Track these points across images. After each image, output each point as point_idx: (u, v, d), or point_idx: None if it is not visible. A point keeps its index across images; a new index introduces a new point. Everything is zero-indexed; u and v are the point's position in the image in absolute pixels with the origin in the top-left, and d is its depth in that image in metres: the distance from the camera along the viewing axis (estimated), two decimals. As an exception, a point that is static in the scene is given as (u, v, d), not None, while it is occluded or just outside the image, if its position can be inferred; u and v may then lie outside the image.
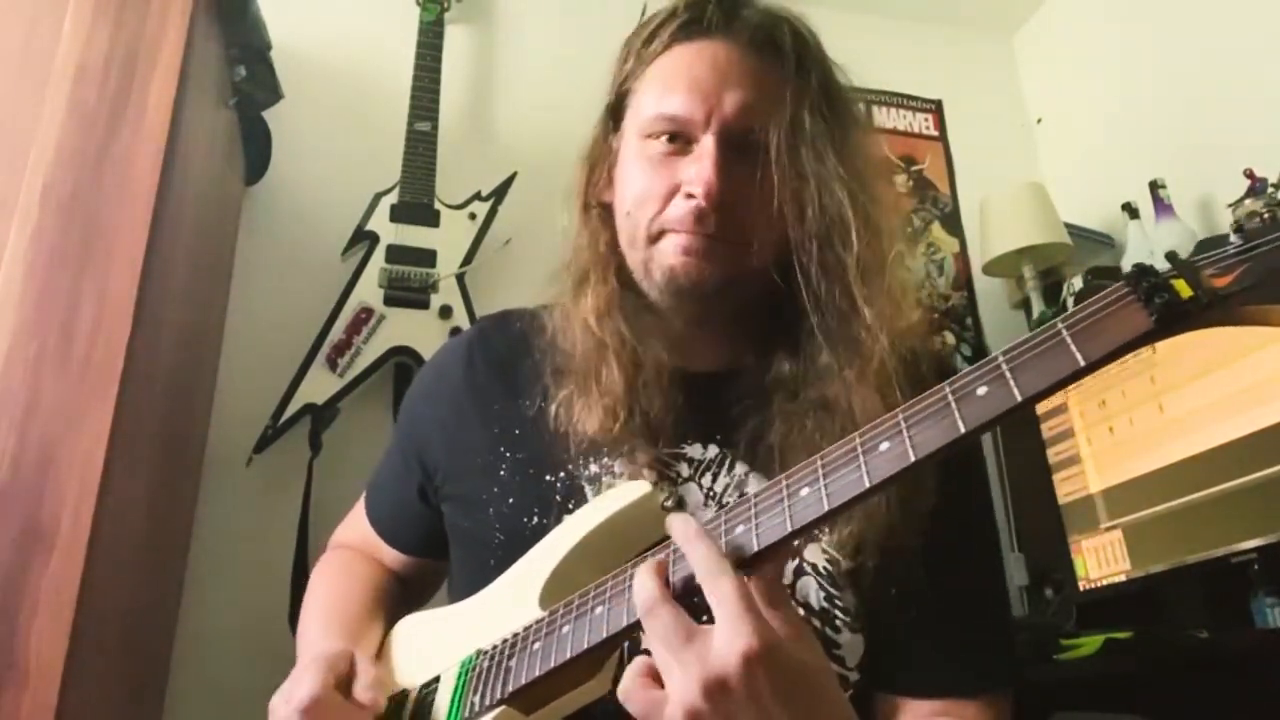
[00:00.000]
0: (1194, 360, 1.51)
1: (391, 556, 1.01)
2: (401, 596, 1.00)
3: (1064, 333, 0.53)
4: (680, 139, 0.82)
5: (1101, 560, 1.70)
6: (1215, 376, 1.48)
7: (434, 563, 1.01)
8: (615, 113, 0.90)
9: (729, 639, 0.55)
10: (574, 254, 0.91)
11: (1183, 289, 0.50)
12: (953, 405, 0.55)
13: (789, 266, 0.82)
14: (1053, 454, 1.85)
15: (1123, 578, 1.65)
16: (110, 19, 1.25)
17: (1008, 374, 0.54)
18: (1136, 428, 1.63)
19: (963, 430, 0.54)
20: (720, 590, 0.56)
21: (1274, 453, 1.39)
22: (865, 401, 0.76)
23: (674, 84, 0.83)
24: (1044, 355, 0.53)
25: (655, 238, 0.83)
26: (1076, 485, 1.78)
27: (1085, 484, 1.76)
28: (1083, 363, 0.51)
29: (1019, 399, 0.53)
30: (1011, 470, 2.08)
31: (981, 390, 0.54)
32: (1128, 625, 1.58)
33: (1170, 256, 0.52)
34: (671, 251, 0.82)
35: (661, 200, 0.82)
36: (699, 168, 0.80)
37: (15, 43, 1.22)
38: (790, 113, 0.80)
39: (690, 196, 0.80)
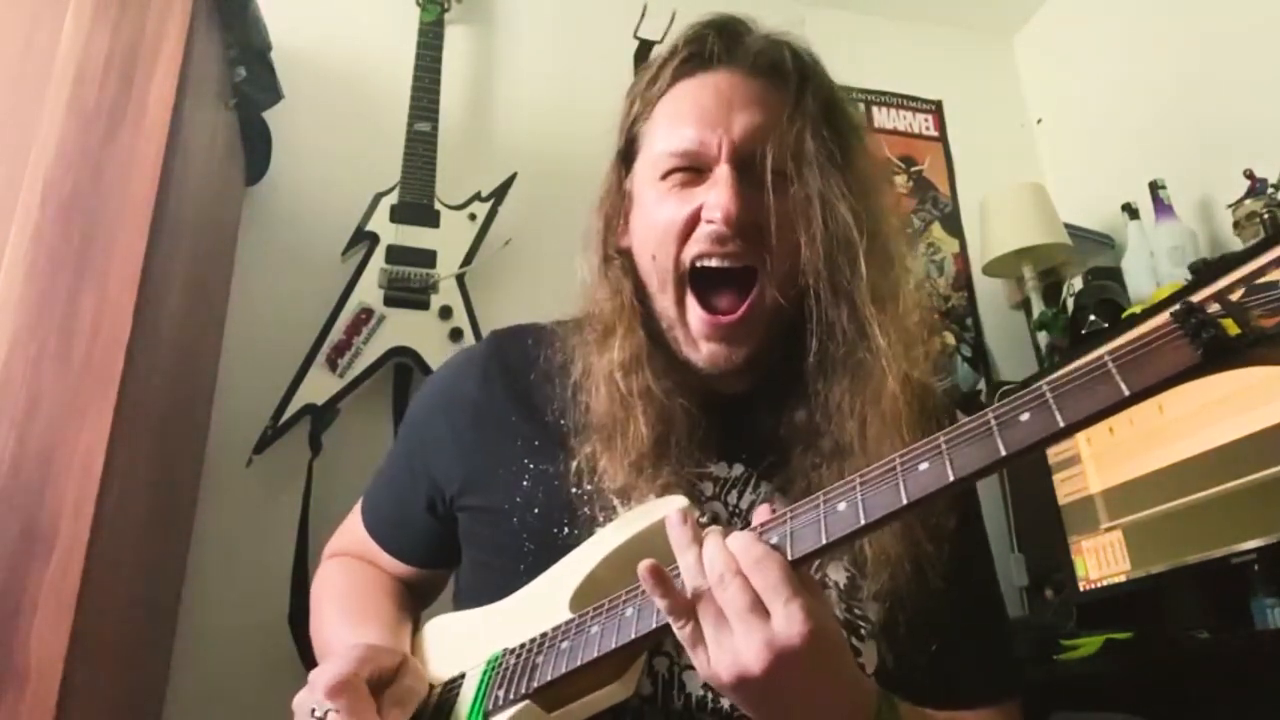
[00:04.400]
0: (1194, 360, 1.51)
1: (391, 565, 1.01)
2: (412, 598, 1.00)
3: (1110, 365, 0.54)
4: (694, 170, 0.82)
5: (1101, 561, 1.70)
6: (1215, 377, 1.47)
7: (433, 574, 1.02)
8: (626, 158, 0.90)
9: (789, 619, 0.59)
10: (596, 305, 0.90)
11: (1230, 327, 0.52)
12: (994, 430, 0.57)
13: (803, 294, 0.82)
14: (1053, 454, 1.85)
15: (1123, 578, 1.65)
16: (110, 19, 1.25)
17: (1051, 402, 0.55)
18: (1137, 428, 1.63)
19: (1004, 453, 0.56)
20: (770, 575, 0.60)
21: (1274, 453, 1.39)
22: (880, 444, 0.76)
23: (682, 118, 0.83)
24: (1088, 385, 0.54)
25: (681, 286, 0.83)
26: (1077, 486, 1.78)
27: (1085, 484, 1.76)
28: (1127, 393, 0.53)
29: (1061, 425, 0.54)
30: (1012, 471, 2.08)
31: (1025, 416, 0.56)
32: (1128, 625, 1.58)
33: (1221, 297, 0.53)
34: (699, 331, 0.82)
35: (683, 229, 0.82)
36: (715, 193, 0.80)
37: (15, 43, 1.22)
38: (796, 133, 0.80)
39: (710, 222, 0.80)
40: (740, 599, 0.60)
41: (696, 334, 0.83)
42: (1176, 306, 0.54)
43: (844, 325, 0.80)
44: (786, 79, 0.82)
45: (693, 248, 0.82)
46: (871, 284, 0.80)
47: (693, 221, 0.82)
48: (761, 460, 0.83)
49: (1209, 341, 0.51)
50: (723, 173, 0.80)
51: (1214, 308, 0.53)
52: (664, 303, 0.85)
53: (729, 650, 0.60)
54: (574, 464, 0.83)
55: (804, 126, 0.80)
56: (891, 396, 0.77)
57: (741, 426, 0.85)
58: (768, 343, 0.82)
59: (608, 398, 0.83)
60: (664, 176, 0.84)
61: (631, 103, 0.89)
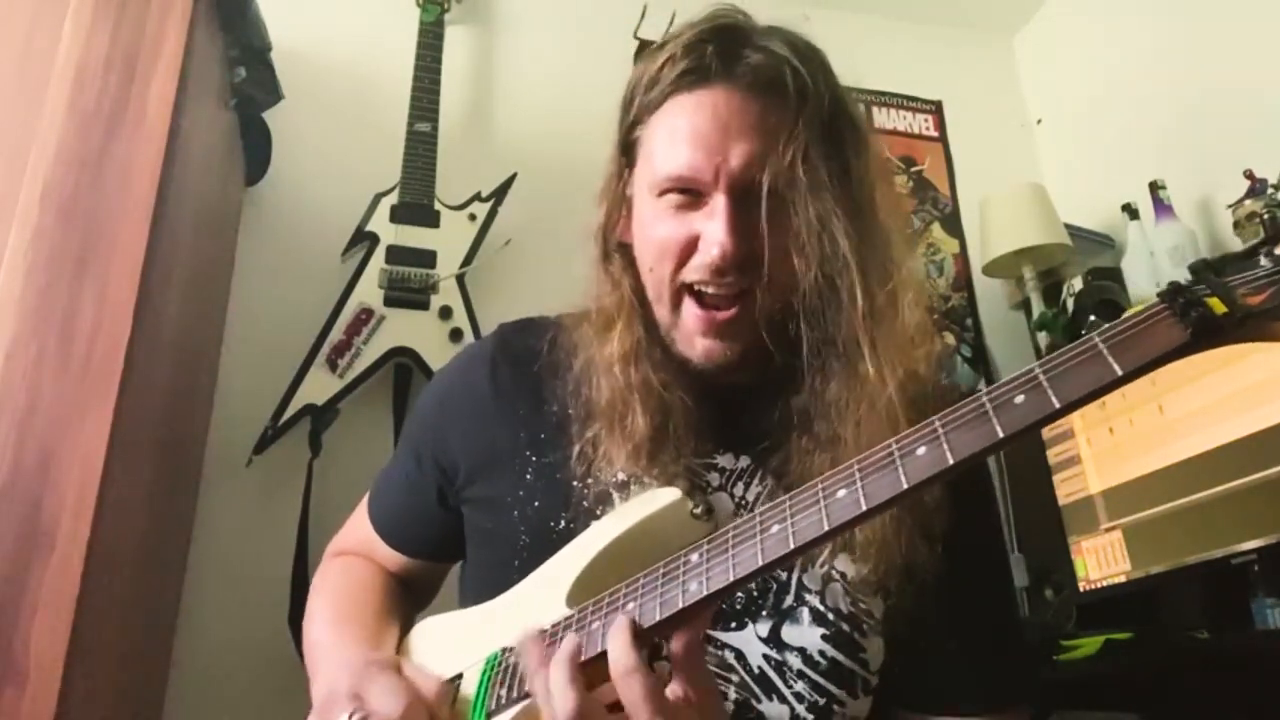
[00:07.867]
0: (1194, 362, 1.51)
1: (392, 560, 1.01)
2: (406, 599, 1.00)
3: (1100, 346, 0.55)
4: (692, 193, 0.82)
5: (1101, 561, 1.70)
6: (1215, 377, 1.48)
7: (433, 566, 1.02)
8: (627, 152, 0.90)
9: None
10: (597, 298, 0.90)
11: (1217, 306, 0.53)
12: (990, 412, 0.57)
13: (800, 307, 0.82)
14: (1053, 455, 1.85)
15: (1123, 578, 1.65)
16: (110, 20, 1.25)
17: (1045, 383, 0.56)
18: (1136, 429, 1.63)
19: (1001, 435, 0.56)
20: (632, 690, 0.62)
21: (1274, 453, 1.39)
22: (874, 437, 0.75)
23: (678, 141, 0.81)
24: (1080, 366, 0.55)
25: (677, 297, 0.83)
26: (1077, 486, 1.78)
27: (1085, 485, 1.76)
28: (1120, 372, 0.54)
29: (1056, 405, 0.55)
30: (1012, 471, 2.08)
31: (1019, 399, 0.56)
32: (1128, 626, 1.58)
33: (1205, 277, 0.55)
34: (694, 328, 0.82)
35: (679, 252, 0.82)
36: (713, 227, 0.79)
37: (15, 43, 1.22)
38: (792, 159, 0.79)
39: (707, 254, 0.80)
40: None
41: (692, 330, 0.83)
42: (1164, 286, 0.55)
43: (840, 340, 0.80)
44: (786, 98, 0.80)
45: (689, 274, 0.82)
46: (868, 300, 0.80)
47: (689, 246, 0.82)
48: (765, 452, 0.84)
49: (1197, 320, 0.52)
50: (720, 204, 0.80)
51: (1201, 287, 0.54)
52: (660, 310, 0.86)
53: None
54: (574, 456, 0.84)
55: (801, 151, 0.79)
56: (888, 401, 0.77)
57: (744, 417, 0.85)
58: (763, 340, 0.82)
59: (608, 389, 0.84)
60: (660, 194, 0.83)
61: (630, 101, 0.88)
